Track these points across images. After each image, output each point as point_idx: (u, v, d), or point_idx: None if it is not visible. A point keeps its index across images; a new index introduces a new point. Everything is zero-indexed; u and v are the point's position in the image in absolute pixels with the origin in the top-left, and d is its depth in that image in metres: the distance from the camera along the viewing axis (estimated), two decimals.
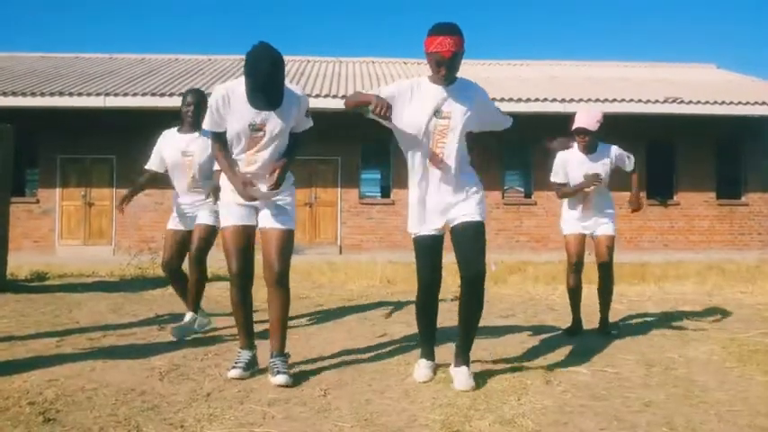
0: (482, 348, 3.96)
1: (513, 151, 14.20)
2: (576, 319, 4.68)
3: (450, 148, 3.21)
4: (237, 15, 68.79)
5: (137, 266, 8.50)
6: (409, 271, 7.51)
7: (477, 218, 3.24)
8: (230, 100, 3.26)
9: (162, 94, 13.24)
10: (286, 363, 3.32)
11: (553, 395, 3.08)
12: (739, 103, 13.95)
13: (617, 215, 4.74)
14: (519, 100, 13.48)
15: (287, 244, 3.36)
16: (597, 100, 13.60)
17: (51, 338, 4.28)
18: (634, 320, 5.32)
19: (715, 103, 13.93)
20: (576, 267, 4.63)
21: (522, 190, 15.08)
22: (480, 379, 3.26)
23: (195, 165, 4.41)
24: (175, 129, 4.55)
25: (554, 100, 13.73)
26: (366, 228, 14.50)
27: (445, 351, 3.53)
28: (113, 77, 15.17)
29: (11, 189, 7.39)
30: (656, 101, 13.90)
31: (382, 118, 3.12)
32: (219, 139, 3.37)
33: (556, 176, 4.64)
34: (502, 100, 12.37)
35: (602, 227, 4.58)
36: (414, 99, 3.21)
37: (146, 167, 4.65)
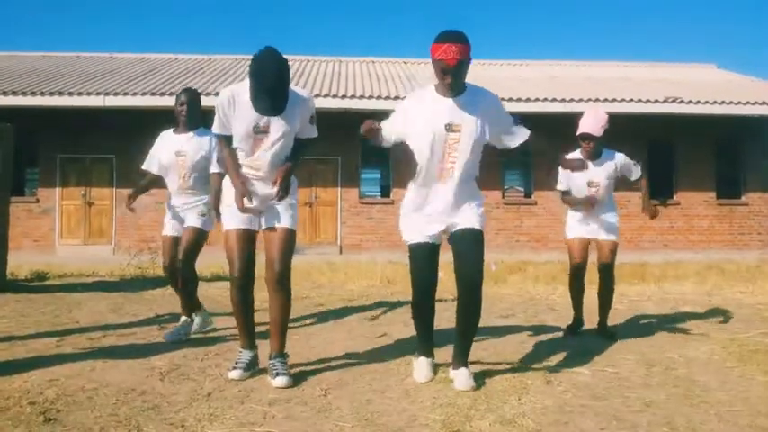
0: (482, 348, 3.96)
1: (513, 150, 14.15)
2: (578, 317, 4.66)
3: (461, 161, 3.19)
4: (237, 15, 68.79)
5: (137, 266, 8.50)
6: (409, 271, 7.51)
7: (476, 226, 3.24)
8: (235, 102, 3.25)
9: (162, 94, 13.23)
10: (286, 363, 3.32)
11: (554, 395, 3.08)
12: (739, 103, 13.95)
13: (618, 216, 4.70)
14: (519, 100, 13.49)
15: (288, 244, 3.36)
16: (597, 100, 13.60)
17: (51, 338, 4.28)
18: (634, 320, 5.32)
19: (715, 103, 13.93)
20: (578, 271, 4.58)
21: (523, 189, 15.08)
22: (481, 379, 3.26)
23: (188, 165, 4.38)
24: (171, 130, 4.55)
25: (554, 100, 13.74)
26: (366, 227, 14.50)
27: (445, 352, 3.53)
28: (113, 77, 15.17)
29: (11, 188, 7.40)
30: (656, 101, 13.91)
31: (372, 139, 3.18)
32: (228, 141, 3.36)
33: (559, 185, 4.62)
34: (502, 100, 12.31)
35: (606, 232, 4.50)
36: (421, 112, 3.19)
37: (143, 168, 4.64)
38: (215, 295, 6.44)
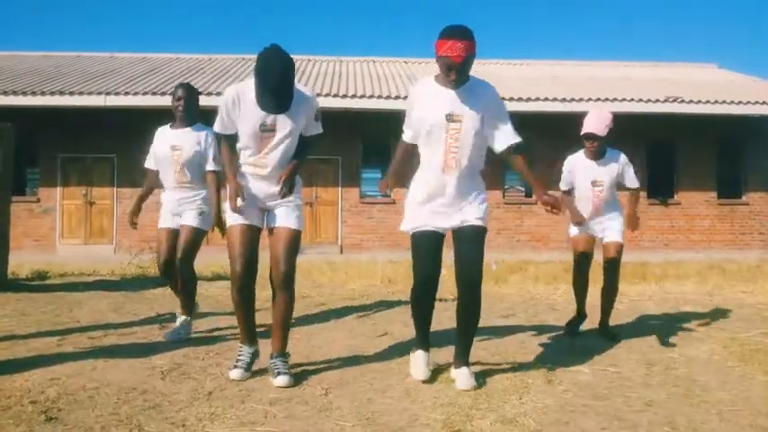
0: (483, 348, 3.96)
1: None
2: (580, 312, 4.58)
3: (463, 152, 3.17)
4: (238, 15, 68.80)
5: (138, 265, 8.50)
6: (409, 270, 7.50)
7: (479, 223, 3.23)
8: (240, 101, 3.24)
9: (163, 93, 13.22)
10: (287, 363, 3.32)
11: (554, 394, 3.08)
12: (740, 102, 13.94)
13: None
14: (520, 99, 13.49)
15: (294, 245, 3.35)
16: (598, 99, 13.59)
17: (52, 337, 4.29)
18: (635, 320, 5.32)
19: (716, 102, 13.92)
20: (583, 262, 4.50)
21: (523, 189, 15.07)
22: (481, 378, 3.26)
23: (183, 159, 4.36)
24: (168, 125, 4.53)
25: (555, 99, 13.74)
26: (367, 227, 14.50)
27: (446, 352, 3.53)
28: (114, 76, 15.17)
29: (12, 188, 7.40)
30: (657, 100, 13.90)
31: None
32: (228, 141, 3.35)
33: (563, 184, 4.62)
34: (503, 99, 12.30)
35: (610, 233, 4.48)
36: (424, 103, 3.19)
37: (145, 166, 4.64)
38: (216, 294, 6.44)
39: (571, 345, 4.24)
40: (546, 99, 13.73)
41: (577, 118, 4.55)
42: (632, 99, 13.86)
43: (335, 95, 13.44)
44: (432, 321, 3.41)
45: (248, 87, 3.24)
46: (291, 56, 3.18)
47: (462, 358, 3.26)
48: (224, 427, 2.63)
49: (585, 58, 24.50)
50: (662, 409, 2.89)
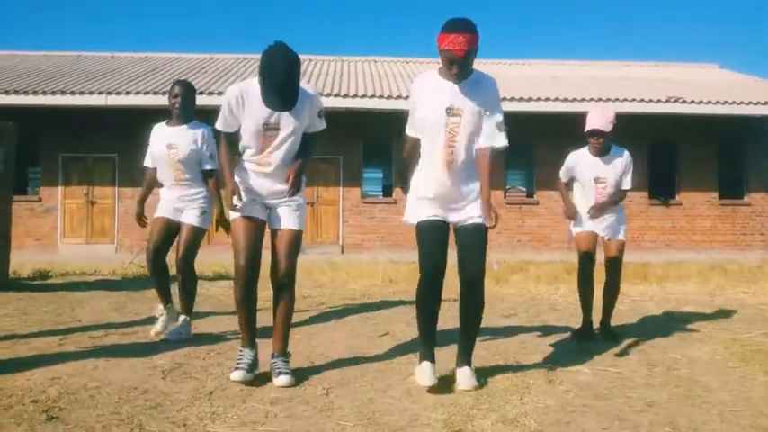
0: (484, 348, 3.96)
1: (515, 150, 14.17)
2: (587, 321, 4.50)
3: (462, 146, 3.16)
4: (240, 14, 68.83)
5: (139, 265, 8.49)
6: (411, 270, 7.51)
7: (480, 220, 3.22)
8: (244, 100, 3.22)
9: (164, 93, 13.15)
10: (288, 363, 3.32)
11: (555, 395, 3.08)
12: (742, 103, 13.93)
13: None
14: (521, 99, 13.50)
15: (295, 245, 3.35)
16: (600, 99, 13.58)
17: (54, 337, 4.29)
18: (636, 321, 5.31)
19: (717, 103, 13.91)
20: (587, 262, 4.44)
21: (525, 189, 15.07)
22: (482, 378, 3.26)
23: (180, 157, 4.34)
24: (164, 123, 4.51)
25: (557, 99, 13.73)
26: (368, 227, 14.50)
27: (447, 352, 3.52)
28: (115, 76, 15.18)
29: (13, 187, 7.41)
30: (659, 101, 13.89)
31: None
32: (228, 139, 3.34)
33: (562, 173, 4.61)
34: (504, 99, 12.33)
35: (613, 232, 4.47)
36: (425, 96, 3.18)
37: (144, 164, 4.62)
38: (217, 294, 6.45)
39: (572, 345, 4.24)
40: (547, 99, 13.73)
41: (579, 118, 4.55)
42: (633, 99, 13.86)
43: (337, 95, 13.44)
44: (437, 327, 3.32)
45: (252, 86, 3.23)
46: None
47: (464, 357, 3.26)
48: (225, 426, 2.63)
49: (586, 58, 24.48)
50: (663, 409, 2.89)
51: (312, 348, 4.05)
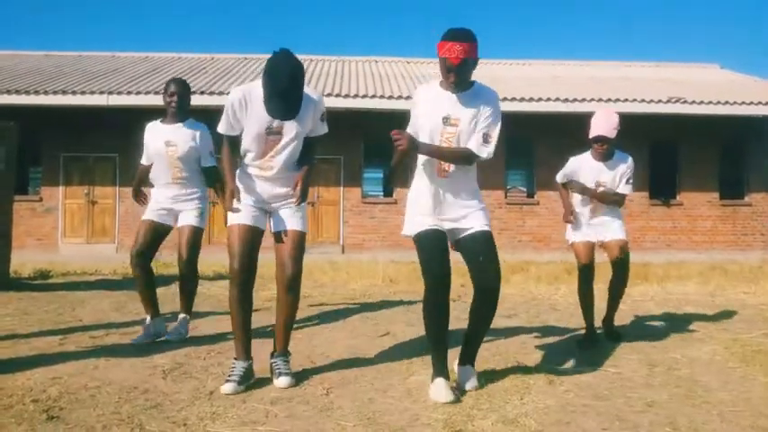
0: (485, 348, 3.94)
1: (515, 150, 14.20)
2: (590, 328, 4.40)
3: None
4: (241, 14, 68.85)
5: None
6: (411, 270, 7.51)
7: (486, 227, 3.20)
8: (247, 103, 3.20)
9: None
10: (288, 363, 3.32)
11: (556, 395, 3.08)
12: (743, 103, 13.92)
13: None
14: (522, 99, 13.48)
15: (301, 247, 3.33)
16: (600, 100, 13.57)
17: (54, 336, 4.30)
18: (637, 321, 5.31)
19: (718, 103, 13.90)
20: (587, 273, 4.40)
21: (525, 189, 15.07)
22: (483, 378, 3.26)
23: (178, 155, 4.33)
24: (159, 120, 4.48)
25: (557, 99, 13.72)
26: (368, 227, 14.50)
27: (449, 352, 3.52)
28: (116, 76, 15.18)
29: (14, 187, 7.41)
30: (660, 101, 13.88)
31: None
32: (231, 142, 3.32)
33: (559, 175, 4.58)
34: (504, 99, 12.37)
35: (612, 232, 4.40)
36: (425, 106, 3.17)
37: (141, 162, 4.60)
38: (217, 294, 6.45)
39: (572, 345, 4.24)
40: (548, 99, 13.72)
41: (579, 118, 4.53)
42: (634, 99, 13.84)
43: (338, 95, 13.44)
44: (447, 340, 3.16)
45: (255, 88, 3.20)
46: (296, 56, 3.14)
47: (468, 358, 3.25)
48: (225, 426, 2.63)
49: (587, 58, 24.44)
50: (663, 409, 2.89)
51: (312, 348, 4.05)
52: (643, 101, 13.82)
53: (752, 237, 15.11)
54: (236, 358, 3.27)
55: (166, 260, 4.43)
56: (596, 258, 4.45)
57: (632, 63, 19.81)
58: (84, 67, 16.40)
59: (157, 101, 12.82)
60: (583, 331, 4.44)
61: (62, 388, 3.07)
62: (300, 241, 3.34)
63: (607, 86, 15.55)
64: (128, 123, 13.44)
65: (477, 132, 3.12)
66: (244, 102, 3.21)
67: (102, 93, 13.36)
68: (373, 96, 13.61)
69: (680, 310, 5.87)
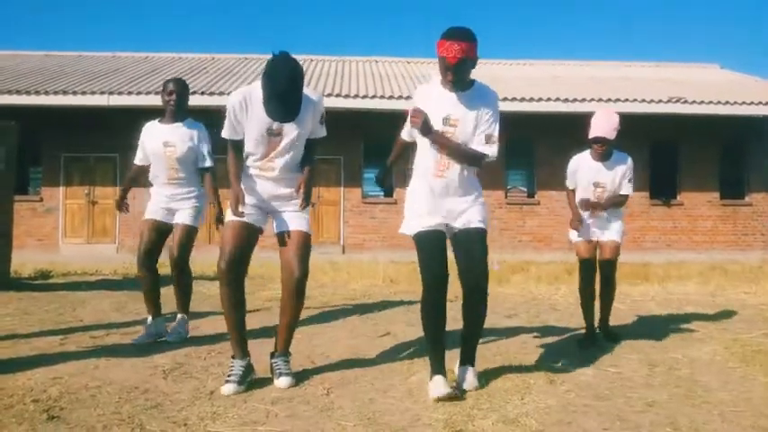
0: (485, 348, 3.96)
1: (516, 150, 14.19)
2: (589, 327, 4.42)
3: (442, 135, 3.13)
4: (241, 15, 68.86)
5: None
6: (411, 270, 7.51)
7: (479, 225, 3.21)
8: (248, 105, 3.20)
9: None
10: (289, 363, 3.32)
11: (556, 395, 3.08)
12: (743, 103, 13.92)
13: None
14: (522, 99, 13.48)
15: (306, 248, 3.33)
16: (601, 100, 13.57)
17: (55, 336, 4.30)
18: (637, 321, 5.31)
19: (719, 103, 13.90)
20: (587, 268, 4.42)
21: (526, 189, 15.07)
22: (483, 378, 3.26)
23: (176, 155, 4.32)
24: (157, 120, 4.47)
25: (557, 99, 13.72)
26: (369, 227, 14.50)
27: (448, 352, 3.52)
28: (117, 76, 15.18)
29: (15, 187, 7.41)
30: (660, 101, 13.88)
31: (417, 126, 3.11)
32: (235, 146, 3.31)
33: (568, 182, 4.59)
34: (505, 99, 12.37)
35: (608, 233, 4.44)
36: (425, 105, 3.17)
37: (134, 162, 4.59)
38: (217, 294, 6.41)
39: (572, 345, 4.23)
40: (548, 99, 13.72)
41: (579, 118, 4.53)
42: (635, 99, 13.84)
43: (338, 95, 13.44)
44: (444, 338, 3.22)
45: (255, 90, 3.20)
46: (293, 56, 3.13)
47: (468, 357, 3.25)
48: (226, 426, 2.63)
49: (587, 58, 24.41)
50: (664, 409, 2.89)
51: (313, 348, 4.05)
52: (643, 101, 13.82)
53: (752, 237, 15.11)
54: (233, 357, 3.27)
55: (162, 260, 4.41)
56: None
57: (632, 63, 19.80)
58: (84, 68, 16.41)
59: (158, 101, 12.83)
60: (583, 331, 4.45)
61: (63, 388, 3.07)
62: (306, 242, 3.34)
63: (607, 86, 15.55)
64: (128, 124, 13.42)
65: (478, 135, 3.14)
66: (244, 104, 3.21)
67: (102, 93, 13.37)
68: (373, 97, 13.61)
69: (680, 310, 5.87)
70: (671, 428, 2.65)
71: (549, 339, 4.43)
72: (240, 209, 3.22)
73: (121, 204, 4.61)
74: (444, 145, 3.14)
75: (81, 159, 14.33)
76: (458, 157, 3.16)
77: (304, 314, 5.23)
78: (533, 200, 14.76)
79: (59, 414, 2.72)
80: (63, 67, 16.35)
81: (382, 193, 14.89)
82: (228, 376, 3.16)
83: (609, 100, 13.61)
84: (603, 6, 67.56)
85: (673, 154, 15.06)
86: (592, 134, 4.29)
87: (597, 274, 4.51)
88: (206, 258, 8.24)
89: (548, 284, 7.60)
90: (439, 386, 3.01)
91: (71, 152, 14.31)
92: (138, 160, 4.55)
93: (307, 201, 3.30)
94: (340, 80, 15.37)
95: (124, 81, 14.54)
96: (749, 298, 6.69)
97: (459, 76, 3.07)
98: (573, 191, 4.57)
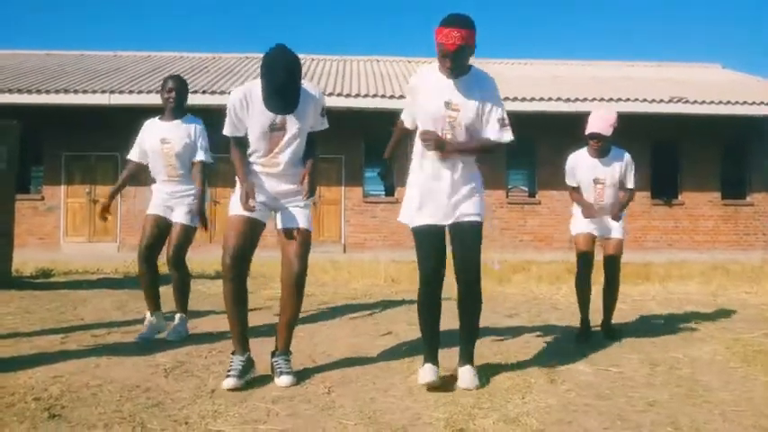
0: (486, 347, 3.96)
1: (517, 150, 14.17)
2: (585, 319, 4.49)
3: (458, 141, 3.17)
4: (242, 14, 68.89)
5: None
6: (412, 269, 7.50)
7: (475, 218, 3.22)
8: (249, 102, 3.21)
9: None
10: (290, 362, 3.32)
11: (557, 394, 3.08)
12: (744, 102, 13.91)
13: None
14: (524, 99, 13.48)
15: (307, 246, 3.33)
16: (602, 99, 13.57)
17: (56, 335, 4.30)
18: (638, 320, 5.31)
19: (720, 102, 13.89)
20: (585, 262, 4.45)
21: (527, 189, 15.06)
22: (484, 377, 3.26)
23: (174, 152, 4.32)
24: (157, 118, 4.48)
25: (558, 99, 13.72)
26: (370, 226, 14.50)
27: (448, 352, 3.52)
28: (118, 75, 15.19)
29: (16, 186, 7.42)
30: (661, 100, 13.87)
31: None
32: (238, 143, 3.31)
33: (568, 181, 4.60)
34: (506, 99, 12.36)
35: (612, 231, 4.47)
36: (424, 90, 3.19)
37: (127, 158, 4.57)
38: (218, 293, 6.38)
39: (573, 344, 4.23)
40: (549, 99, 13.72)
41: (581, 118, 4.54)
42: (636, 99, 13.84)
43: (339, 95, 13.44)
44: (439, 331, 3.31)
45: (255, 87, 3.21)
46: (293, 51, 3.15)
47: (467, 356, 3.26)
48: (227, 424, 2.63)
49: (588, 57, 24.38)
50: (665, 409, 2.89)
51: (314, 347, 4.05)
52: (645, 101, 13.81)
53: (754, 237, 15.10)
54: (233, 353, 3.29)
55: (162, 259, 4.41)
56: (595, 255, 4.49)
57: (634, 63, 19.79)
58: (85, 67, 16.42)
59: (159, 100, 12.86)
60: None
61: (64, 386, 3.08)
62: (307, 240, 3.35)
63: (609, 86, 15.54)
64: (130, 122, 13.43)
65: (489, 123, 3.18)
66: (244, 101, 3.22)
67: (103, 92, 13.39)
68: (374, 96, 13.61)
69: (681, 309, 5.86)
70: (672, 428, 2.64)
71: (550, 339, 4.43)
72: (251, 203, 3.22)
73: (107, 210, 4.41)
74: (463, 150, 3.18)
75: (82, 158, 14.34)
76: (479, 153, 3.26)
77: (305, 313, 5.25)
78: (534, 199, 14.76)
79: (60, 412, 2.72)
80: (64, 66, 16.36)
81: (383, 193, 14.89)
82: (229, 371, 3.18)
83: (610, 100, 13.61)
84: (605, 6, 67.56)
85: (674, 154, 15.05)
86: (588, 130, 4.35)
87: (600, 272, 4.53)
88: (206, 257, 8.25)
89: (549, 284, 7.60)
90: (427, 373, 3.13)
91: (72, 151, 14.33)
92: (133, 156, 4.51)
93: (311, 191, 3.30)
94: (341, 79, 15.37)
95: (125, 80, 14.55)
96: (750, 298, 6.69)
97: (457, 63, 3.08)
98: (574, 188, 4.58)
